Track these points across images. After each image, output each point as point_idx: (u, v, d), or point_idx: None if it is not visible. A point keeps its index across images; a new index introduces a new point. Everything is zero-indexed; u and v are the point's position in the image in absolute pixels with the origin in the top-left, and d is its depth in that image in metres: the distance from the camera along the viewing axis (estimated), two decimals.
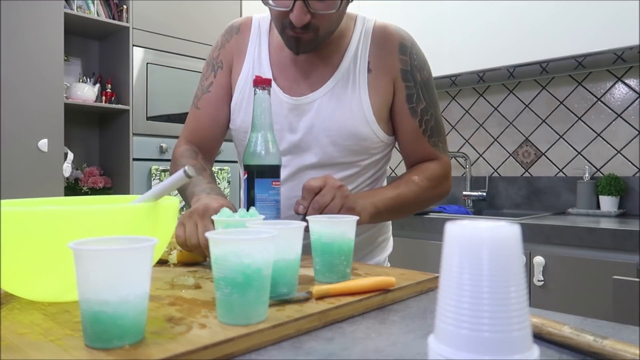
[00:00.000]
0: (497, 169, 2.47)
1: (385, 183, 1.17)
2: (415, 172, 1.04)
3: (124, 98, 2.84)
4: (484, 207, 2.48)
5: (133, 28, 2.82)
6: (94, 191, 2.80)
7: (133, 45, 2.82)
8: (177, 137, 2.89)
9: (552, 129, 2.31)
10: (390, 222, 1.20)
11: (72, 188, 2.78)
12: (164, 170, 2.90)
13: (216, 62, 1.12)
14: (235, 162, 3.04)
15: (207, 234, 0.51)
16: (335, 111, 1.00)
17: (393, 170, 2.77)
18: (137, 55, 2.84)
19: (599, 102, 2.17)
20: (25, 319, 0.54)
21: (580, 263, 1.60)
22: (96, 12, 2.78)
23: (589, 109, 2.20)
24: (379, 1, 2.45)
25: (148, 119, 2.88)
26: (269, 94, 0.88)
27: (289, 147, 1.03)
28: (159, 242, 0.50)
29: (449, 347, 0.35)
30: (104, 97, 2.87)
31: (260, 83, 0.87)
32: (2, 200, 0.65)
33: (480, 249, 0.34)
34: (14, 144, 2.32)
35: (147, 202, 0.62)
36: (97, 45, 3.10)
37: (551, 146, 2.31)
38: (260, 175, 0.86)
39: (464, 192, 2.50)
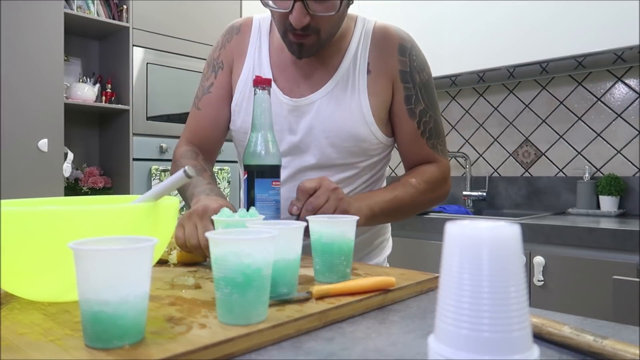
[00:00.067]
0: (497, 169, 2.47)
1: (384, 185, 1.16)
2: (413, 175, 1.03)
3: (124, 98, 2.85)
4: (484, 207, 2.48)
5: (133, 28, 2.82)
6: (94, 191, 2.80)
7: (133, 45, 2.82)
8: (177, 137, 2.90)
9: (552, 129, 2.31)
10: (389, 223, 1.20)
11: (72, 188, 2.78)
12: (164, 170, 2.90)
13: (217, 63, 1.12)
14: (235, 162, 3.04)
15: (207, 234, 0.51)
16: (335, 112, 1.00)
17: (393, 171, 2.77)
18: (137, 55, 2.84)
19: (599, 102, 2.17)
20: (25, 319, 0.54)
21: (580, 263, 1.60)
22: (96, 12, 2.78)
23: (589, 109, 2.20)
24: (379, 1, 2.45)
25: (148, 119, 2.88)
26: (269, 94, 0.88)
27: (289, 148, 1.03)
28: (159, 242, 0.50)
29: (449, 347, 0.35)
30: (104, 97, 2.87)
31: (260, 83, 0.87)
32: (2, 200, 0.65)
33: (480, 249, 0.34)
34: (14, 144, 2.32)
35: (147, 202, 0.62)
36: (97, 45, 3.10)
37: (551, 146, 2.31)
38: (260, 175, 0.86)
39: (464, 192, 2.50)
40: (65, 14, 2.53)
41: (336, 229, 0.70)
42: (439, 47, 2.26)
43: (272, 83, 0.97)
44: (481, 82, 2.47)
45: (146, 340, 0.47)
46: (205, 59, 3.11)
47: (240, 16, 3.24)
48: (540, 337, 0.51)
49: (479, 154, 2.54)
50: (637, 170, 2.07)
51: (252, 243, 0.50)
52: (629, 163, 2.09)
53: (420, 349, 0.49)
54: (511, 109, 2.43)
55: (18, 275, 0.57)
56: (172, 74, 2.98)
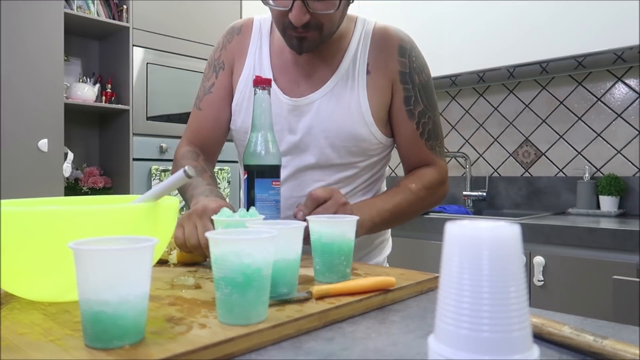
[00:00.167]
0: (497, 169, 2.47)
1: (384, 184, 1.17)
2: (412, 180, 1.04)
3: (124, 98, 2.84)
4: (484, 207, 2.48)
5: (133, 28, 2.82)
6: (94, 191, 2.80)
7: (133, 45, 2.82)
8: (177, 137, 2.90)
9: (552, 129, 2.31)
10: None
11: (72, 188, 2.78)
12: (164, 170, 2.90)
13: (217, 63, 1.12)
14: (235, 162, 3.04)
15: (207, 234, 0.51)
16: (334, 112, 1.00)
17: (393, 171, 2.77)
18: (137, 55, 2.84)
19: (599, 102, 2.17)
20: (25, 319, 0.54)
21: (580, 263, 1.60)
22: (96, 12, 2.78)
23: (589, 109, 2.20)
24: (379, 1, 2.45)
25: (148, 119, 2.88)
26: (269, 94, 0.88)
27: (289, 147, 1.03)
28: (159, 242, 0.50)
29: (449, 347, 0.35)
30: (104, 97, 2.87)
31: (260, 83, 0.87)
32: (2, 200, 0.65)
33: (480, 249, 0.34)
34: (14, 144, 2.32)
35: (147, 202, 0.62)
36: (97, 45, 3.10)
37: (551, 146, 2.31)
38: (260, 175, 0.86)
39: (464, 192, 2.50)
40: (65, 14, 2.53)
41: (336, 229, 0.70)
42: (439, 47, 2.26)
43: (272, 83, 0.97)
44: (481, 82, 2.47)
45: (146, 340, 0.47)
46: (205, 59, 3.11)
47: (241, 16, 3.24)
48: (540, 337, 0.51)
49: (479, 154, 2.54)
50: (637, 170, 2.07)
51: (252, 243, 0.50)
52: (629, 163, 2.09)
53: (420, 349, 0.49)
54: (511, 109, 2.43)
55: (18, 275, 0.57)
56: (172, 74, 2.98)
